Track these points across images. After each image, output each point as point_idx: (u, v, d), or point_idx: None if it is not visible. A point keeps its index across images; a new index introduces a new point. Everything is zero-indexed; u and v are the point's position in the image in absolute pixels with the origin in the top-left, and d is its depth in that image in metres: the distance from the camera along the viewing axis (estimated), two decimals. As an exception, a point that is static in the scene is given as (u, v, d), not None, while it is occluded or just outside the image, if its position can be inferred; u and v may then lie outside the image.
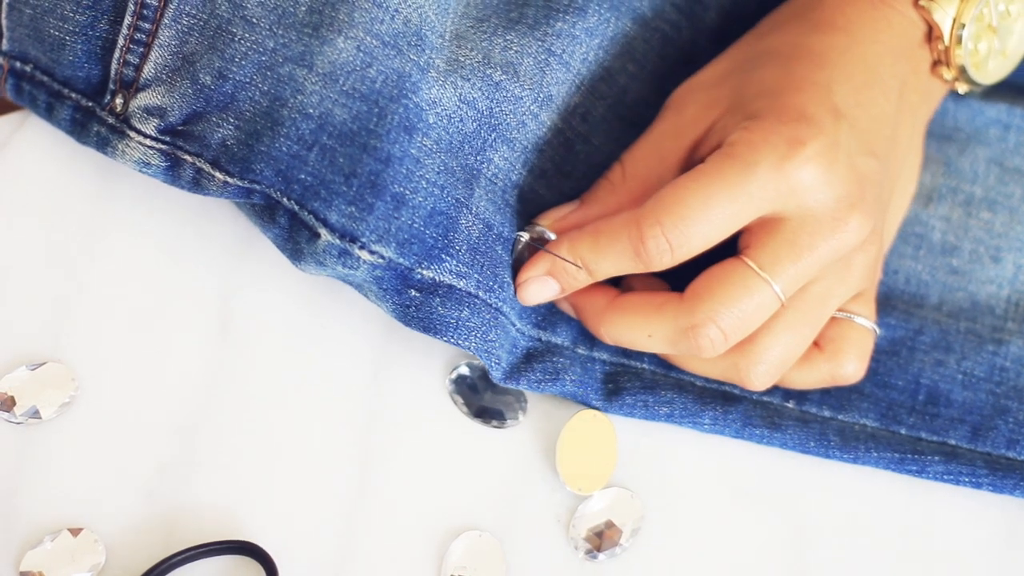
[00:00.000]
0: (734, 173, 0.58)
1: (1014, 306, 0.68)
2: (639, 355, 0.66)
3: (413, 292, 0.62)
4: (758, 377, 0.61)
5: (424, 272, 0.62)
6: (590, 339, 0.65)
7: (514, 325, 0.64)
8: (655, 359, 0.66)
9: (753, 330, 0.60)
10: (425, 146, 0.61)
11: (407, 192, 0.61)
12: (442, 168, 0.62)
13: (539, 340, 0.65)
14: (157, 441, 0.62)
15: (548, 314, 0.65)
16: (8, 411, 0.61)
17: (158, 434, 0.62)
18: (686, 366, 0.64)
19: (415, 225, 0.61)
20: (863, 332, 0.63)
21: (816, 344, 0.63)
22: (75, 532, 0.59)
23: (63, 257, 0.64)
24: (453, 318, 0.62)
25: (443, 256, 0.62)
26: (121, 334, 0.63)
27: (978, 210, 0.69)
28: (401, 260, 0.61)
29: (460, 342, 0.62)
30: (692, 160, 0.62)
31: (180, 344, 0.63)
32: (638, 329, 0.62)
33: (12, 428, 0.61)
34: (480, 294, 0.63)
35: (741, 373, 0.61)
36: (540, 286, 0.63)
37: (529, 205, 0.66)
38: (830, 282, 0.61)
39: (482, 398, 0.64)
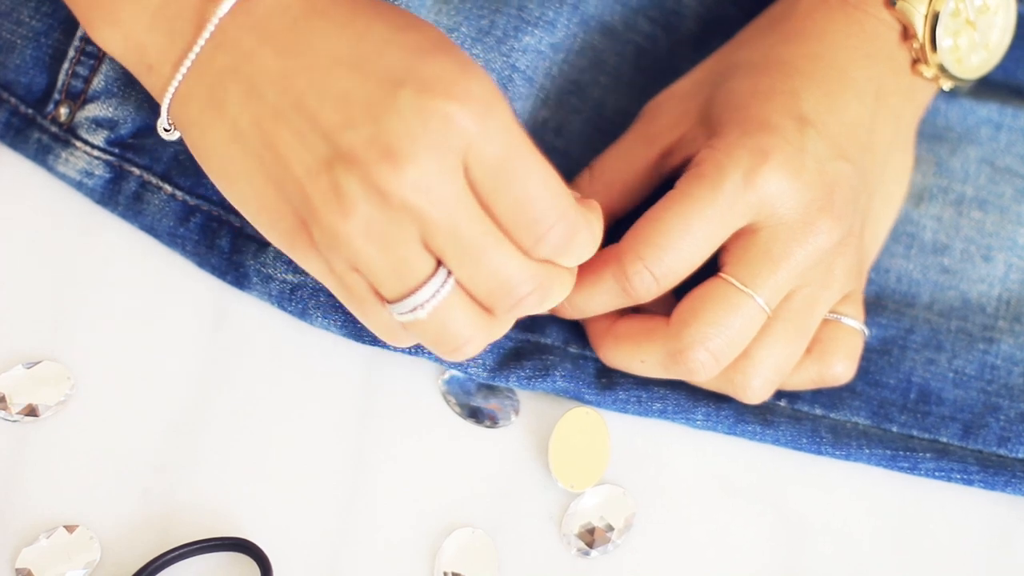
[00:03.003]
0: (704, 194, 0.59)
1: (1005, 304, 0.68)
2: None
3: None
4: (754, 391, 0.61)
5: None
6: (582, 338, 0.66)
7: None
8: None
9: (743, 347, 0.60)
10: None
11: None
12: None
13: (527, 341, 0.65)
14: (152, 439, 0.62)
15: (537, 317, 0.66)
16: (4, 409, 0.61)
17: (153, 432, 0.62)
18: (685, 379, 0.64)
19: None
20: (851, 333, 0.63)
21: None
22: (70, 529, 0.60)
23: (59, 256, 0.64)
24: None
25: None
26: (117, 332, 0.63)
27: (969, 209, 0.69)
28: None
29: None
30: (661, 168, 0.63)
31: (175, 343, 0.64)
32: (631, 356, 0.62)
33: (8, 426, 0.61)
34: None
35: (737, 388, 0.61)
36: None
37: None
38: (813, 288, 0.61)
39: (475, 399, 0.65)
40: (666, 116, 0.63)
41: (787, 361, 0.61)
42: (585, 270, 0.61)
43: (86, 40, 0.64)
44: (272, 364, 0.64)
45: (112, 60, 0.64)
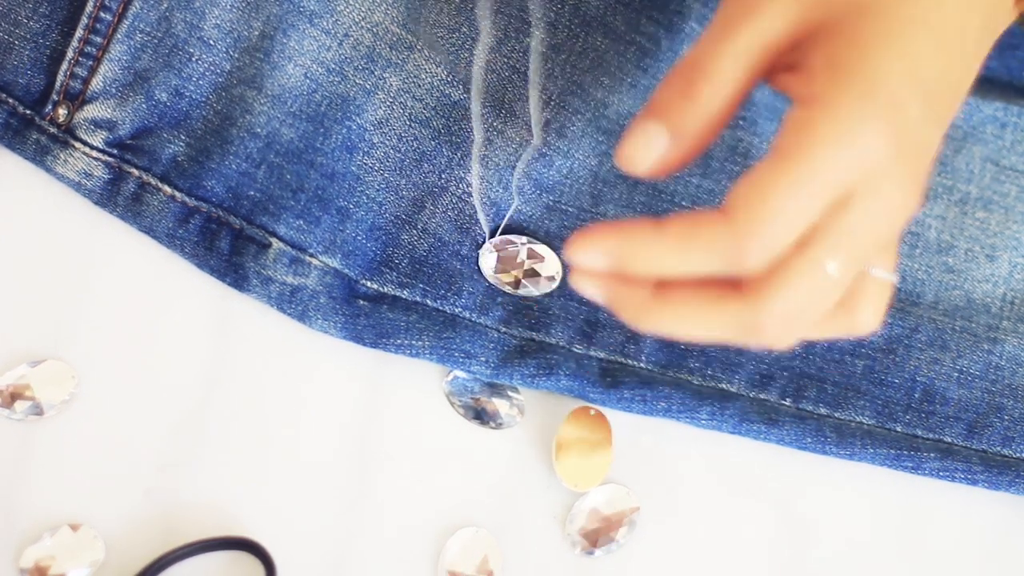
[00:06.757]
0: (803, 158, 0.51)
1: (1009, 304, 0.68)
2: (637, 354, 0.66)
3: (361, 301, 0.64)
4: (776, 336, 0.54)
5: (368, 284, 0.64)
6: (586, 337, 0.66)
7: (496, 329, 0.65)
8: (653, 358, 0.66)
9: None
10: (366, 164, 0.64)
11: (351, 206, 0.63)
12: (384, 185, 0.64)
13: (532, 340, 0.65)
14: (156, 438, 0.62)
15: (542, 316, 0.66)
16: (8, 408, 0.62)
17: (158, 431, 0.62)
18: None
19: (358, 238, 0.64)
20: (879, 283, 0.56)
21: None
22: (75, 528, 0.60)
23: (63, 254, 0.64)
24: (403, 320, 0.63)
25: (383, 269, 0.64)
26: (121, 331, 0.63)
27: (974, 209, 0.69)
28: (347, 271, 0.63)
29: (413, 342, 0.63)
30: (772, 68, 0.55)
31: (179, 342, 0.64)
32: (692, 324, 0.55)
33: (12, 425, 0.62)
34: (428, 302, 0.64)
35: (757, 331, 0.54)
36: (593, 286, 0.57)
37: (511, 222, 0.66)
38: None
39: (479, 400, 0.65)
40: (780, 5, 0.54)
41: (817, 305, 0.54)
42: (686, 224, 0.53)
43: (85, 41, 0.64)
44: (277, 364, 0.64)
45: (111, 60, 0.64)
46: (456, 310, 0.64)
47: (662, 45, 0.69)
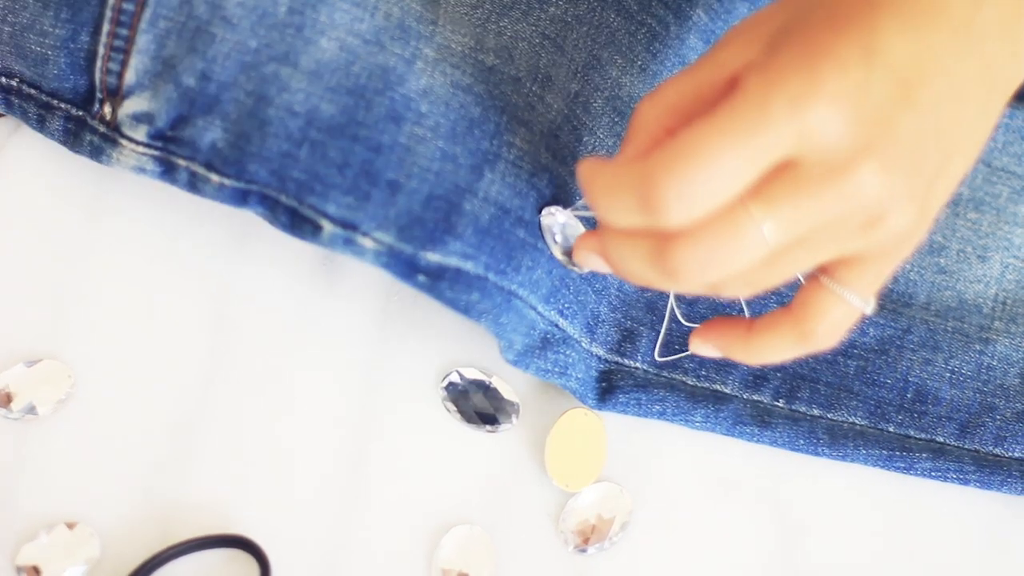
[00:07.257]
0: (747, 113, 0.51)
1: (1001, 305, 0.69)
2: (633, 354, 0.66)
3: (421, 277, 0.61)
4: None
5: (429, 256, 0.61)
6: (591, 333, 0.66)
7: (534, 308, 0.64)
8: (648, 359, 0.66)
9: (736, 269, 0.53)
10: (416, 134, 0.62)
11: (401, 178, 0.61)
12: (438, 155, 0.62)
13: (556, 327, 0.65)
14: (152, 437, 0.62)
15: (573, 302, 0.65)
16: (5, 407, 0.62)
17: (153, 430, 0.62)
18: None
19: (413, 210, 0.61)
20: (845, 304, 0.55)
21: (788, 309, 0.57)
22: (71, 526, 0.60)
23: (60, 254, 0.65)
24: (463, 301, 0.61)
25: (446, 238, 0.61)
26: (117, 331, 0.64)
27: (965, 210, 0.70)
28: (403, 245, 0.61)
29: (470, 314, 0.61)
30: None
31: (175, 342, 0.64)
32: (614, 245, 0.54)
33: (9, 424, 0.62)
34: (490, 276, 0.62)
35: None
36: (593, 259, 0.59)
37: (560, 192, 0.65)
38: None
39: (474, 404, 0.65)
40: (739, 39, 0.55)
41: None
42: (608, 179, 0.53)
43: (113, 35, 0.64)
44: (272, 363, 0.64)
45: (139, 51, 0.63)
46: (513, 287, 0.62)
47: (671, 31, 0.69)
